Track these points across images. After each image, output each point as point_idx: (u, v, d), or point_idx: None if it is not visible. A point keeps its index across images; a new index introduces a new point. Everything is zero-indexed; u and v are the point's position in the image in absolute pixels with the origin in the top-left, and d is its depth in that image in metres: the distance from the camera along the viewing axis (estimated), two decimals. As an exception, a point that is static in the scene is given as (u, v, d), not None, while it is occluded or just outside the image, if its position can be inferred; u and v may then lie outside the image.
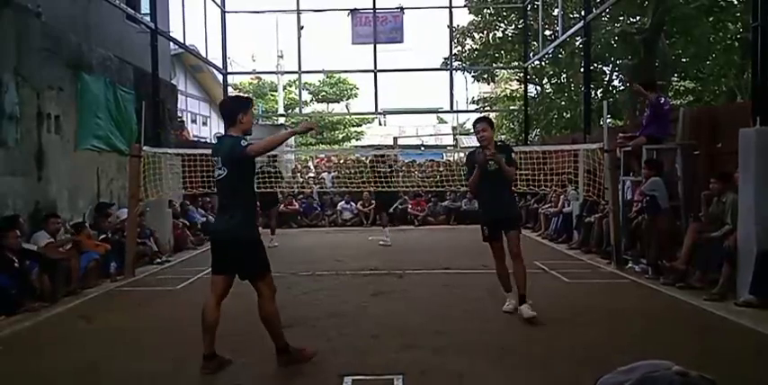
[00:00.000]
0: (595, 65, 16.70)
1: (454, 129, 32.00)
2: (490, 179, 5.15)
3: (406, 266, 8.06)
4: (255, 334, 4.27)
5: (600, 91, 18.04)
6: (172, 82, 14.21)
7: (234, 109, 3.94)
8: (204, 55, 16.03)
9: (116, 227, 8.29)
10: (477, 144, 5.31)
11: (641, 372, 0.82)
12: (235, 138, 3.84)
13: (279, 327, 3.98)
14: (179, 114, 13.84)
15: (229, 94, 14.45)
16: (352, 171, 14.15)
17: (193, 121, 24.29)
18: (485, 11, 19.52)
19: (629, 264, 7.64)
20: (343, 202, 14.37)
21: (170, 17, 13.21)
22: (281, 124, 22.76)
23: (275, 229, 10.80)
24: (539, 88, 20.35)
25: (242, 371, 3.98)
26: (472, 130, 5.68)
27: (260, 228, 4.59)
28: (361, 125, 32.10)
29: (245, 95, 3.91)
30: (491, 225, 5.27)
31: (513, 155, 5.38)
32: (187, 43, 14.45)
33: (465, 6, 19.32)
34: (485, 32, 19.78)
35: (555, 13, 16.17)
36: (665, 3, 14.71)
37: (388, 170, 10.82)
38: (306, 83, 28.66)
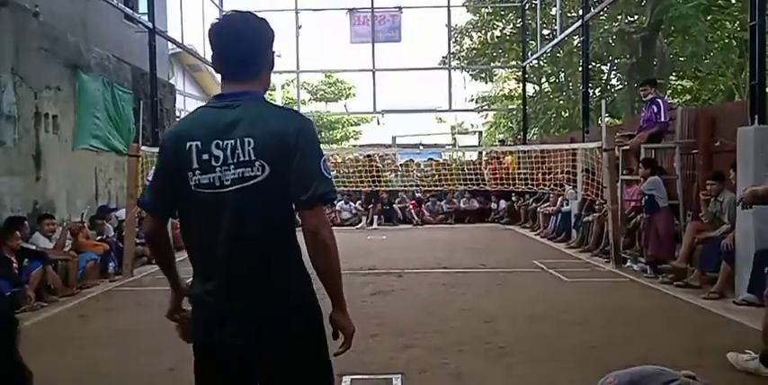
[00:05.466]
0: (594, 64, 16.71)
1: (453, 128, 32.00)
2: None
3: (405, 265, 8.06)
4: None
5: (598, 90, 18.06)
6: (170, 81, 14.18)
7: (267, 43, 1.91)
8: (202, 54, 16.02)
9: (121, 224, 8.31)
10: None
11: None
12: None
13: None
14: (177, 114, 13.80)
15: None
16: (351, 170, 14.12)
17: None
18: (483, 10, 19.56)
19: (628, 263, 7.65)
20: (341, 202, 14.34)
21: (168, 17, 13.20)
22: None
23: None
24: (537, 87, 20.36)
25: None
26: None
27: None
28: (359, 124, 32.07)
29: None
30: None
31: None
32: (185, 43, 14.45)
33: (463, 5, 19.35)
34: (483, 31, 19.82)
35: (553, 12, 16.22)
36: (662, 2, 14.73)
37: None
38: (304, 82, 28.62)
